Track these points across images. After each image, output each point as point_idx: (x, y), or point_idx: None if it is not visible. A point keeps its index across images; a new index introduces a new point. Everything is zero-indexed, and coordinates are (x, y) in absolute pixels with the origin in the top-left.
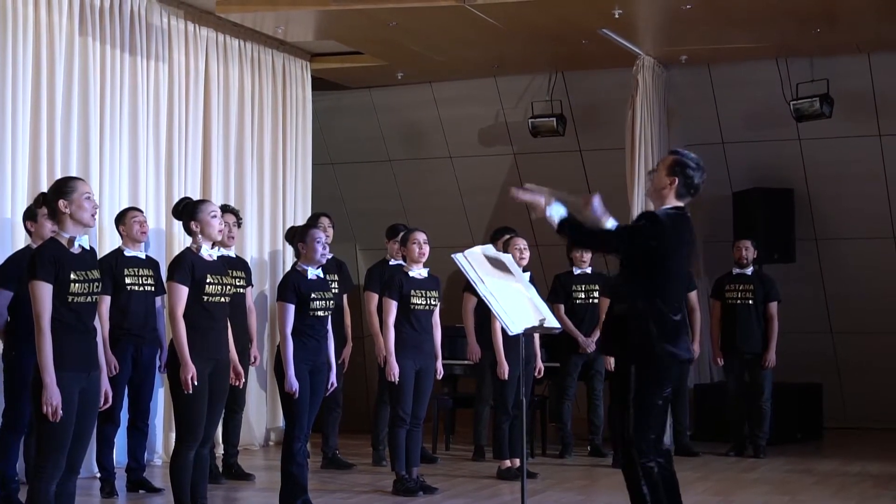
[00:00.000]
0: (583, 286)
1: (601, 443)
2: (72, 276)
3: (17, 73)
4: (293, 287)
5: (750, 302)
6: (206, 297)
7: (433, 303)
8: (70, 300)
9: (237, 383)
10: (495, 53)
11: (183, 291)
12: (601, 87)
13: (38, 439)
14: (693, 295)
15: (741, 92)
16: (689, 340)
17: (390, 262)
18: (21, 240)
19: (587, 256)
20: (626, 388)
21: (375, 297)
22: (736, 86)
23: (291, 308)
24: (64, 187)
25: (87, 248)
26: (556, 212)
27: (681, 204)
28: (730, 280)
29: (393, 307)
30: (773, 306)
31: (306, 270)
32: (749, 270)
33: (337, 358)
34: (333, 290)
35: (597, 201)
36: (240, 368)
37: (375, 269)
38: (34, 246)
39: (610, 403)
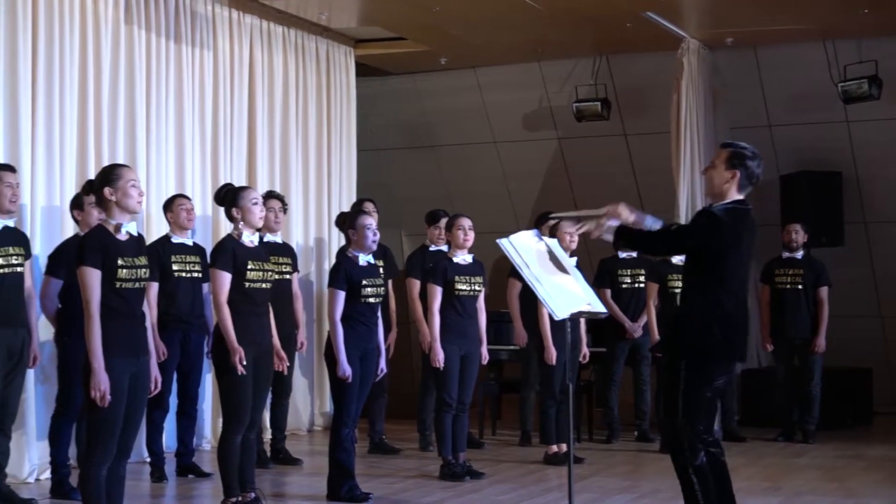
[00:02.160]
0: (629, 271)
1: (648, 428)
2: (119, 262)
3: (65, 62)
4: (345, 274)
5: (799, 287)
6: (247, 284)
7: (477, 288)
8: (118, 286)
9: (281, 368)
10: (539, 37)
11: (226, 278)
12: (646, 70)
13: (89, 424)
14: None
15: (788, 74)
16: (747, 333)
17: (430, 248)
18: (70, 228)
19: None
20: (675, 379)
21: (417, 283)
22: (782, 68)
23: (342, 295)
24: (110, 175)
25: (135, 234)
26: (608, 234)
27: (741, 197)
28: (779, 264)
29: (438, 293)
30: (824, 291)
31: (357, 257)
32: (799, 255)
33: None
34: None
35: (624, 211)
36: (283, 353)
37: (416, 256)
38: (82, 234)
39: (657, 390)
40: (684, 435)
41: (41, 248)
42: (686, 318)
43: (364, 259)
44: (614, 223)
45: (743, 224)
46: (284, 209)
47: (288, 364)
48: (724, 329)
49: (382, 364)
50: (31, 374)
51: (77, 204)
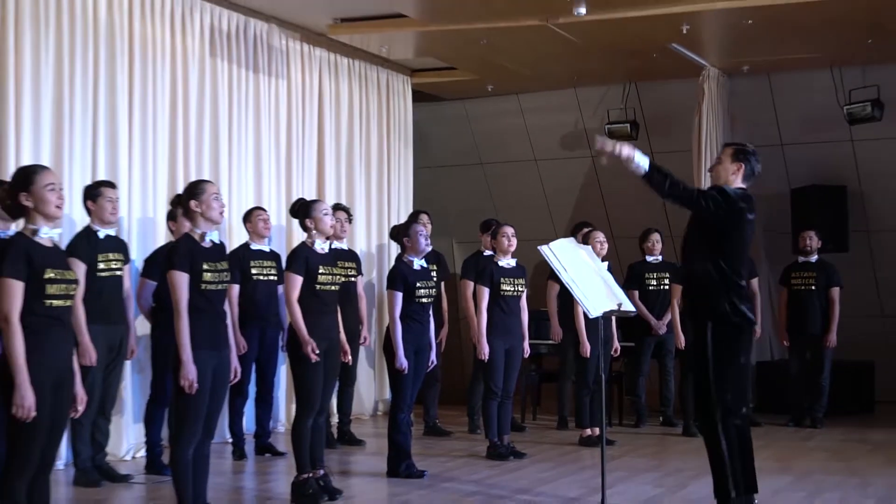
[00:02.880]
0: (654, 274)
1: (672, 414)
2: (204, 266)
3: (157, 90)
4: (401, 277)
5: (813, 288)
6: (318, 286)
7: (520, 289)
8: (203, 288)
9: (346, 360)
10: (575, 67)
11: (297, 280)
12: (671, 95)
13: (177, 410)
14: (755, 282)
15: (798, 98)
16: (752, 306)
17: (484, 254)
18: (161, 236)
19: (658, 247)
20: (703, 353)
21: (471, 284)
22: (794, 92)
23: (400, 295)
24: (195, 189)
25: (217, 242)
26: (642, 160)
27: (745, 186)
28: (795, 268)
29: (485, 294)
30: (835, 291)
31: (412, 262)
32: (813, 258)
33: (435, 338)
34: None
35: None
36: (347, 347)
37: (471, 260)
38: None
39: (681, 379)
40: (716, 409)
41: (137, 254)
42: (696, 281)
43: (418, 263)
44: (644, 157)
45: (748, 205)
46: (350, 219)
47: (352, 357)
48: (731, 294)
49: (433, 357)
50: (128, 364)
51: (172, 216)
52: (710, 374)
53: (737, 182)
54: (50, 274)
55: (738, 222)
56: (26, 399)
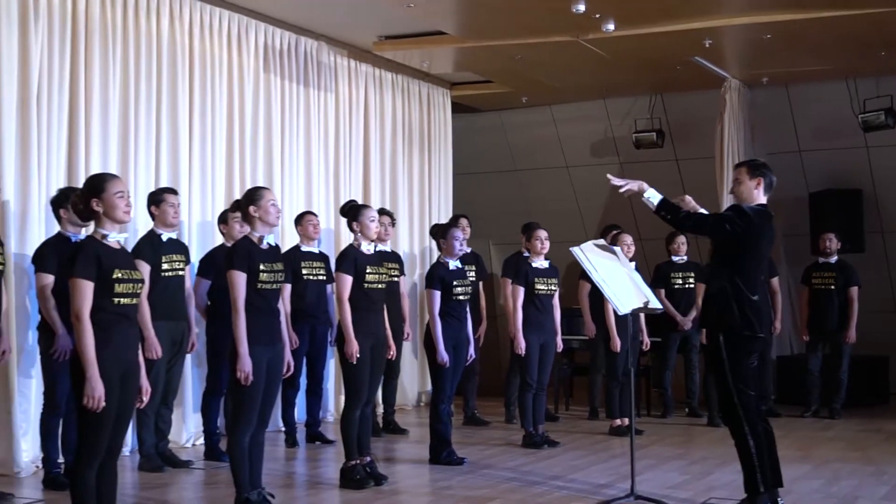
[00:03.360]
0: (680, 273)
1: (697, 406)
2: (261, 267)
3: (215, 103)
4: (438, 277)
5: (832, 287)
6: (366, 285)
7: (553, 288)
8: (259, 287)
9: (390, 355)
10: (604, 80)
11: (348, 280)
12: (694, 105)
13: (234, 400)
14: (775, 281)
15: (815, 107)
16: (768, 319)
17: (524, 254)
18: (220, 238)
19: (683, 248)
20: (719, 358)
21: (510, 282)
22: (810, 102)
23: (438, 294)
24: (254, 195)
25: (273, 244)
26: (654, 196)
27: (764, 201)
28: (816, 268)
29: (520, 292)
30: (854, 290)
31: (448, 262)
32: (833, 259)
33: (474, 334)
34: (471, 279)
35: (689, 198)
36: (392, 343)
37: (511, 260)
38: (227, 244)
39: (705, 372)
40: (740, 405)
41: (196, 256)
42: (712, 298)
43: (453, 264)
44: (656, 193)
45: (767, 224)
46: (393, 223)
47: (396, 352)
48: (743, 308)
49: (472, 351)
50: (188, 358)
51: (223, 219)
52: (729, 379)
53: (759, 196)
54: (118, 274)
55: (759, 239)
56: (96, 391)
